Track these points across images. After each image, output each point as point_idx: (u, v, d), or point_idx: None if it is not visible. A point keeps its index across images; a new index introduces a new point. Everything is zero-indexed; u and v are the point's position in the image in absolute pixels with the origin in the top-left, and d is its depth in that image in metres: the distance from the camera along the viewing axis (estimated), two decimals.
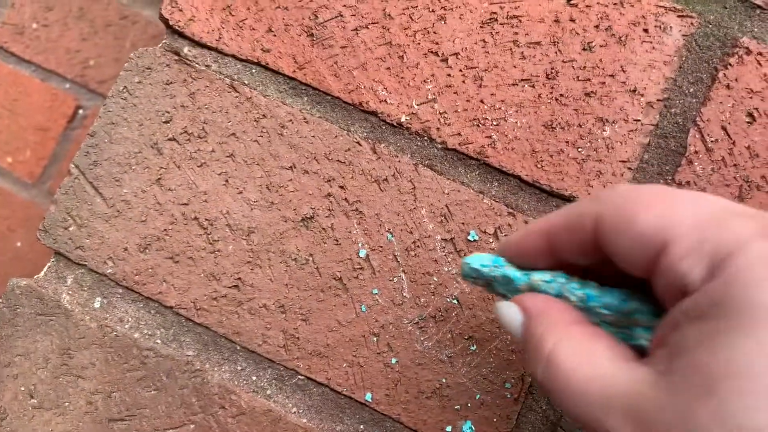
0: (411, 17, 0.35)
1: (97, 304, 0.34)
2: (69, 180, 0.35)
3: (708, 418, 0.16)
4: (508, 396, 0.32)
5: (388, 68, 0.35)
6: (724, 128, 0.33)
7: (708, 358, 0.17)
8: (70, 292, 0.34)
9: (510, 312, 0.24)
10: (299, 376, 0.33)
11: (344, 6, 0.35)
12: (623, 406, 0.18)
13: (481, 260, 0.26)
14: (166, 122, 0.35)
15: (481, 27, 0.35)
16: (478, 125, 0.34)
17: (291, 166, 0.34)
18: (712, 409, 0.16)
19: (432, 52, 0.35)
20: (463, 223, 0.34)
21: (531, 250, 0.24)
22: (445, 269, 0.33)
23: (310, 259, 0.34)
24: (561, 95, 0.34)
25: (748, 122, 0.33)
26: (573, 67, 0.34)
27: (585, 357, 0.20)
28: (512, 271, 0.25)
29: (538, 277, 0.24)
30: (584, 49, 0.34)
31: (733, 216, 0.19)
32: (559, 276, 0.24)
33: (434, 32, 0.35)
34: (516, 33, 0.34)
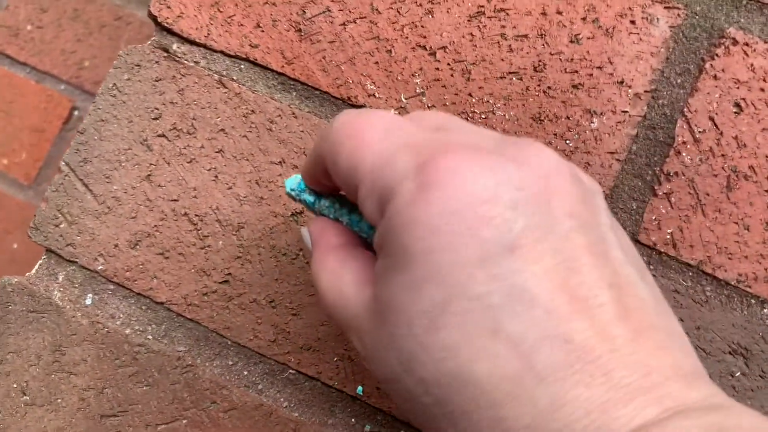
0: (398, 11, 0.35)
1: (88, 301, 0.34)
2: (59, 177, 0.35)
3: (385, 344, 0.19)
4: None
5: (377, 62, 0.35)
6: (711, 119, 0.34)
7: (381, 291, 0.20)
8: (61, 289, 0.35)
9: (305, 237, 0.26)
10: (290, 371, 0.33)
11: (332, 1, 0.35)
12: (355, 327, 0.21)
13: (291, 183, 0.27)
14: (156, 119, 0.35)
15: (468, 20, 0.35)
16: (466, 118, 0.34)
17: (280, 161, 0.34)
18: (387, 339, 0.19)
19: (420, 46, 0.35)
20: None
21: (311, 180, 0.26)
22: None
23: (300, 253, 0.34)
24: (549, 88, 0.34)
25: (735, 112, 0.33)
26: (560, 59, 0.34)
27: (334, 281, 0.22)
28: (307, 196, 0.26)
29: (322, 203, 0.26)
30: (571, 42, 0.34)
31: (402, 150, 0.20)
32: (335, 202, 0.26)
33: (422, 26, 0.35)
34: (503, 26, 0.34)
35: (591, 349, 0.17)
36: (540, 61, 0.34)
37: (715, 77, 0.34)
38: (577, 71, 0.34)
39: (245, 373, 0.33)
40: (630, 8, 0.34)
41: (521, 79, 0.34)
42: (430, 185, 0.18)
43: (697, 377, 0.18)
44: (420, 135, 0.21)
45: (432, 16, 0.35)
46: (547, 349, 0.17)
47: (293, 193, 0.27)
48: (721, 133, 0.33)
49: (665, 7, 0.34)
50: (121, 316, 0.34)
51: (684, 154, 0.33)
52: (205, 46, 0.36)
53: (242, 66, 0.35)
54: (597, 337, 0.17)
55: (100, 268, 0.34)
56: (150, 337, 0.34)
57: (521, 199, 0.18)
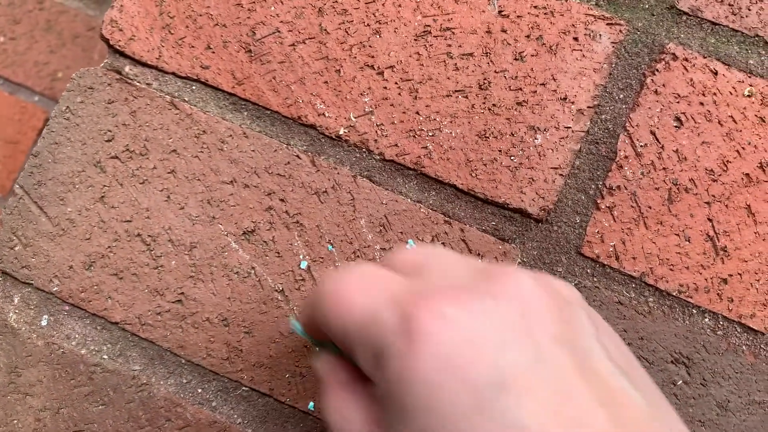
0: (347, 32, 0.35)
1: (44, 322, 0.35)
2: (14, 200, 0.36)
3: None
4: None
5: (326, 82, 0.35)
6: (653, 133, 0.34)
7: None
8: (16, 311, 0.35)
9: (295, 328, 0.27)
10: (243, 388, 0.34)
11: (281, 22, 0.36)
12: None
13: (297, 325, 0.27)
14: (109, 141, 0.36)
15: (415, 40, 0.35)
16: (414, 136, 0.35)
17: (232, 181, 0.35)
18: None
19: (368, 65, 0.35)
20: (401, 233, 0.34)
21: (312, 333, 0.26)
22: None
23: (252, 272, 0.34)
24: (494, 105, 0.35)
25: (675, 126, 0.34)
26: (505, 77, 0.35)
27: (343, 422, 0.22)
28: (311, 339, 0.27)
29: (327, 345, 0.26)
30: (516, 59, 0.35)
31: (383, 306, 0.20)
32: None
33: (370, 46, 0.35)
34: (449, 45, 0.35)
35: None
36: (485, 79, 0.35)
37: (656, 92, 0.35)
38: (521, 88, 0.35)
39: (199, 390, 0.34)
40: (573, 25, 0.35)
41: (467, 96, 0.35)
42: (416, 341, 0.19)
43: None
44: (397, 285, 0.21)
45: (379, 36, 0.35)
46: None
47: (300, 333, 0.27)
48: (662, 147, 0.34)
49: (607, 24, 0.35)
50: (77, 336, 0.35)
51: (626, 168, 0.34)
52: (156, 68, 0.36)
53: (193, 87, 0.36)
54: None
55: (55, 289, 0.35)
56: (105, 356, 0.34)
57: (503, 334, 0.19)
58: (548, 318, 0.20)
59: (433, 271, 0.22)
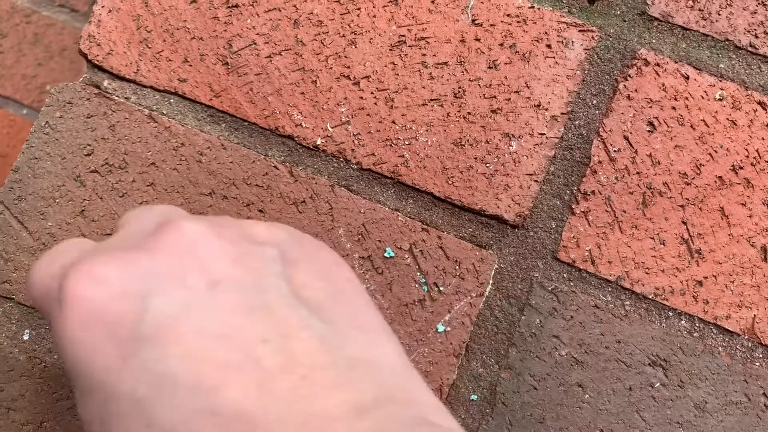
0: (322, 43, 0.36)
1: (26, 336, 0.35)
2: None
3: None
4: None
5: (303, 93, 0.36)
6: (626, 138, 0.35)
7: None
8: None
9: None
10: None
11: (257, 34, 0.36)
12: None
13: None
14: (88, 155, 0.36)
15: (390, 50, 0.36)
16: (391, 145, 0.35)
17: (210, 192, 0.35)
18: None
19: (344, 75, 0.36)
20: (379, 241, 0.35)
21: None
22: (364, 287, 0.34)
23: None
24: (468, 113, 0.35)
25: (648, 131, 0.35)
26: (479, 85, 0.35)
27: None
28: None
29: None
30: (490, 68, 0.35)
31: (54, 277, 0.21)
32: None
33: (345, 56, 0.36)
34: (424, 54, 0.36)
35: (243, 413, 0.17)
36: (460, 87, 0.35)
37: (628, 97, 0.35)
38: (495, 96, 0.35)
39: None
40: (546, 33, 0.35)
41: (442, 105, 0.35)
42: (65, 303, 0.19)
43: (380, 405, 0.17)
44: (75, 254, 0.22)
45: (355, 47, 0.36)
46: (196, 428, 0.17)
47: None
48: (636, 152, 0.35)
49: (580, 31, 0.35)
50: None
51: (600, 173, 0.35)
52: (135, 82, 0.36)
53: (171, 100, 0.36)
54: (251, 397, 0.17)
55: None
56: None
57: (151, 285, 0.19)
58: (212, 261, 0.20)
59: (120, 233, 0.23)
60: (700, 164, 0.34)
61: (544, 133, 0.35)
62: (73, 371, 0.19)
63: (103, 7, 0.37)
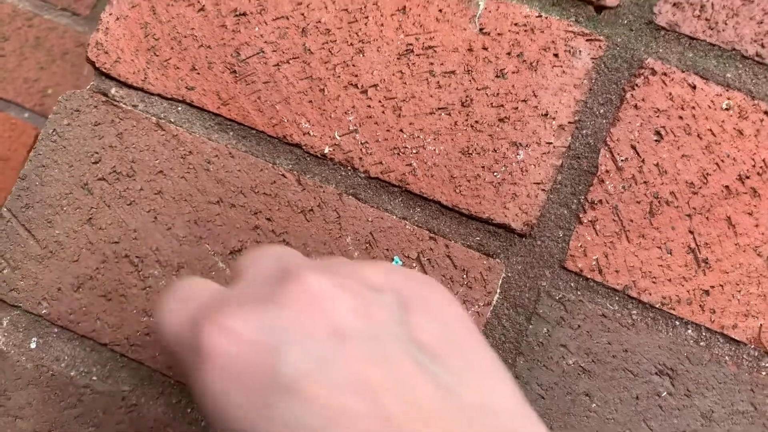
0: (330, 51, 0.36)
1: (33, 345, 0.35)
2: (1, 223, 0.36)
3: None
4: None
5: (310, 101, 0.36)
6: (633, 147, 0.35)
7: None
8: (5, 334, 0.35)
9: None
10: None
11: (265, 42, 0.36)
12: None
13: None
14: (96, 163, 0.36)
15: (398, 58, 0.36)
16: (398, 154, 0.35)
17: (218, 201, 0.35)
18: None
19: (352, 84, 0.36)
20: (387, 249, 0.35)
21: None
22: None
23: None
24: (476, 122, 0.35)
25: (656, 140, 0.35)
26: (487, 94, 0.35)
27: None
28: None
29: None
30: (497, 76, 0.35)
31: (188, 322, 0.22)
32: None
33: (353, 65, 0.36)
34: (431, 63, 0.36)
35: None
36: (467, 96, 0.35)
37: (635, 107, 0.35)
38: (503, 105, 0.35)
39: (189, 410, 0.34)
40: (553, 42, 0.35)
41: (450, 114, 0.35)
42: (202, 355, 0.20)
43: None
44: (203, 300, 0.23)
45: (363, 55, 0.36)
46: None
47: None
48: (643, 161, 0.35)
49: (587, 40, 0.36)
50: (66, 358, 0.35)
51: (607, 183, 0.35)
52: (142, 90, 0.36)
53: (179, 108, 0.36)
54: None
55: (44, 311, 0.35)
56: (95, 378, 0.35)
57: (284, 338, 0.19)
58: (336, 313, 0.20)
59: (242, 279, 0.23)
60: (707, 173, 0.34)
61: (551, 142, 0.35)
62: (212, 420, 0.20)
63: (110, 14, 0.37)
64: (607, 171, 0.35)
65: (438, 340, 0.21)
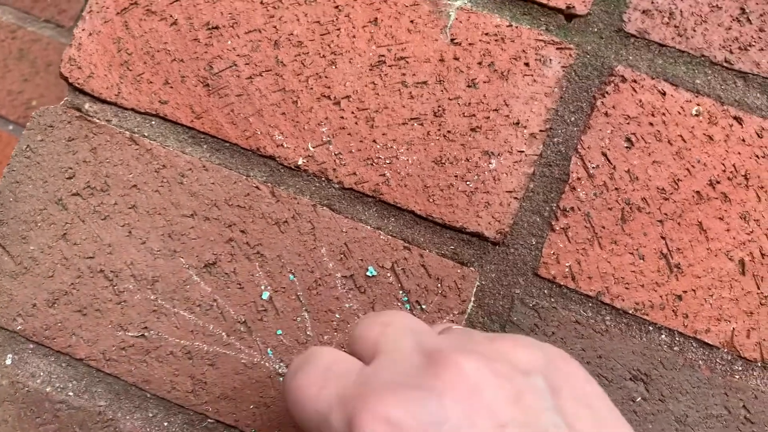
0: (303, 63, 0.36)
1: (8, 361, 0.35)
2: None
3: None
4: None
5: (284, 113, 0.36)
6: (604, 154, 0.35)
7: None
8: None
9: None
10: (209, 420, 0.34)
11: (238, 56, 0.36)
12: None
13: None
14: (70, 178, 0.36)
15: (370, 70, 0.36)
16: (372, 164, 0.35)
17: (192, 214, 0.35)
18: None
19: (325, 96, 0.36)
20: (361, 260, 0.35)
21: None
22: (347, 306, 0.34)
23: (214, 304, 0.35)
24: (448, 131, 0.35)
25: (626, 147, 0.35)
26: (459, 103, 0.35)
27: None
28: None
29: None
30: (469, 86, 0.36)
31: (335, 408, 0.21)
32: None
33: (326, 77, 0.36)
34: (404, 74, 0.36)
35: None
36: (439, 106, 0.35)
37: (606, 114, 0.35)
38: (474, 114, 0.35)
39: (165, 424, 0.34)
40: (524, 51, 0.36)
41: (422, 124, 0.35)
42: None
43: None
44: (347, 378, 0.22)
45: (335, 67, 0.36)
46: None
47: None
48: (614, 168, 0.35)
49: (557, 48, 0.36)
50: (42, 374, 0.35)
51: (579, 190, 0.35)
52: (116, 105, 0.37)
53: (153, 122, 0.36)
54: None
55: (19, 328, 0.35)
56: (71, 393, 0.35)
57: (445, 430, 0.19)
58: (496, 403, 0.20)
59: (383, 354, 0.23)
60: (678, 179, 0.35)
61: (523, 151, 0.35)
62: None
63: (83, 30, 0.37)
64: (578, 178, 0.35)
65: (589, 427, 0.21)
